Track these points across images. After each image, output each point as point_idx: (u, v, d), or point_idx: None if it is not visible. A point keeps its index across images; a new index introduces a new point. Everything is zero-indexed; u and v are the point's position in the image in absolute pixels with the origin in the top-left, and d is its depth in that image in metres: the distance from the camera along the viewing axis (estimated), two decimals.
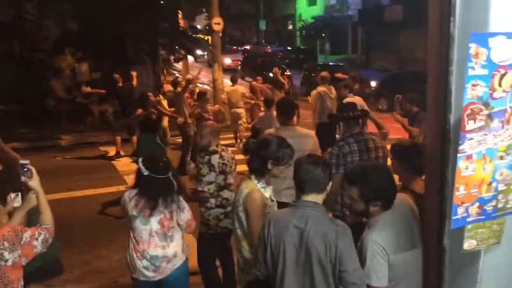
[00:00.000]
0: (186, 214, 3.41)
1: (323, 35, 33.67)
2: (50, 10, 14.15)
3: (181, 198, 3.42)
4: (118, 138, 10.46)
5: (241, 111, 10.74)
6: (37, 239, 2.48)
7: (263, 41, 38.57)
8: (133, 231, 3.39)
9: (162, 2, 16.48)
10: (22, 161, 2.58)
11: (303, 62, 30.02)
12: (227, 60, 27.64)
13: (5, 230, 2.39)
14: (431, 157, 2.10)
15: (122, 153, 10.39)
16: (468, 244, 1.82)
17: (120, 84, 10.71)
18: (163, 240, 3.36)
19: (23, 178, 2.55)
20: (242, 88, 11.36)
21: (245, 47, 37.56)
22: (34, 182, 2.66)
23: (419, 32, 25.44)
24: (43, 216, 2.65)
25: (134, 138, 9.59)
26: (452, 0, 1.81)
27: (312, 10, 37.09)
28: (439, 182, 1.99)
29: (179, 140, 9.75)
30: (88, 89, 10.71)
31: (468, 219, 1.77)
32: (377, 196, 2.36)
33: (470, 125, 1.70)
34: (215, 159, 4.01)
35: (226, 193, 4.05)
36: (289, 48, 35.04)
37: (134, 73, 11.04)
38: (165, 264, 3.39)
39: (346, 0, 33.38)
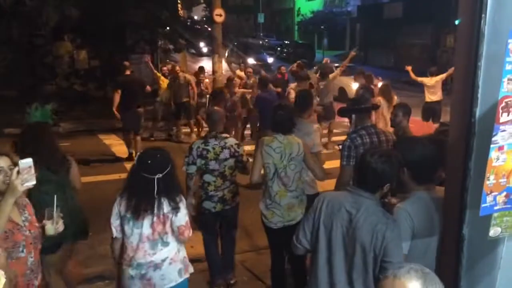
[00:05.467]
0: (179, 219, 3.05)
1: (323, 29, 33.66)
2: None
3: (179, 200, 3.08)
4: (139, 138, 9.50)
5: None
6: None
7: (261, 34, 38.53)
8: (124, 236, 3.10)
9: None
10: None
11: (301, 56, 30.18)
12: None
13: None
14: (454, 149, 2.17)
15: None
16: (494, 231, 1.91)
17: (128, 73, 9.63)
18: (153, 248, 3.06)
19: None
20: None
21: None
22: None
23: (418, 30, 25.75)
24: None
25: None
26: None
27: (311, 5, 37.11)
28: (462, 174, 2.07)
29: None
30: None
31: (496, 207, 1.87)
32: (407, 164, 2.48)
33: (503, 117, 1.78)
34: (195, 144, 4.33)
35: (207, 177, 4.31)
36: (286, 42, 35.05)
37: (126, 63, 9.91)
38: (152, 272, 3.07)
39: None
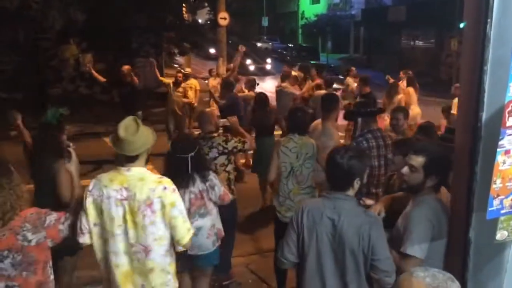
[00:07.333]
0: (216, 192, 3.61)
1: (327, 32, 33.70)
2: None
3: (211, 177, 3.59)
4: None
5: None
6: (63, 223, 2.54)
7: (265, 37, 38.58)
8: None
9: None
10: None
11: (305, 59, 30.22)
12: None
13: (28, 212, 2.43)
14: (461, 153, 2.18)
15: None
16: (500, 235, 1.92)
17: (136, 79, 9.24)
18: (191, 218, 3.44)
19: None
20: None
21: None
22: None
23: (422, 33, 25.71)
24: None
25: None
26: (490, 3, 1.89)
27: (315, 8, 37.15)
28: (469, 178, 2.08)
29: None
30: None
31: (502, 211, 1.87)
32: (439, 171, 2.45)
33: (510, 121, 1.80)
34: None
35: None
36: (290, 45, 35.07)
37: (127, 67, 9.27)
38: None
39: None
